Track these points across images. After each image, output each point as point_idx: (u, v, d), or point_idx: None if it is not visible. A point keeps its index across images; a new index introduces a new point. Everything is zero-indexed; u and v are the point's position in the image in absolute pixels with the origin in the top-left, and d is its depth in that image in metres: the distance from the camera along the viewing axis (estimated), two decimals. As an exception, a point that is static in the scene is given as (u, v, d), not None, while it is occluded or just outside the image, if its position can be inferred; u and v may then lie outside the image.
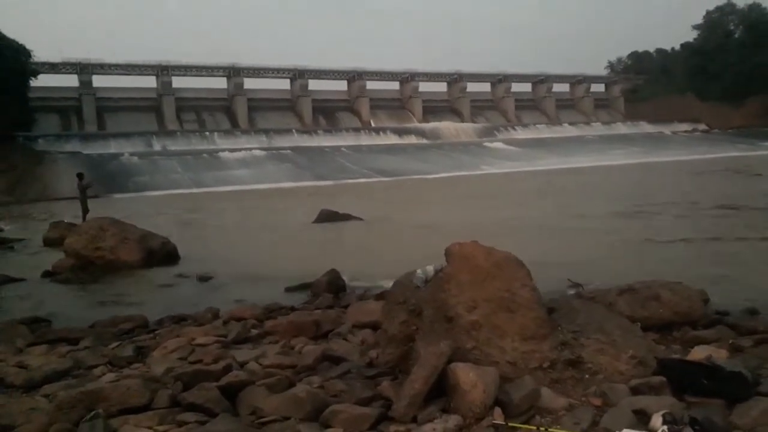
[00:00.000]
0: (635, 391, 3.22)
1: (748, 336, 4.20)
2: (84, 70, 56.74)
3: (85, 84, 56.63)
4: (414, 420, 3.07)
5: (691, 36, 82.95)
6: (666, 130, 71.10)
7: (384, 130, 61.80)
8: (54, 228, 13.90)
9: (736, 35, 77.19)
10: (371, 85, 69.81)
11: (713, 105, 74.31)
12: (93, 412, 3.24)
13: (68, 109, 55.53)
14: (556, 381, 3.37)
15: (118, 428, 3.21)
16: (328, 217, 15.24)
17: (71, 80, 57.18)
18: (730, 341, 4.11)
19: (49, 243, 13.12)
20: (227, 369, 3.94)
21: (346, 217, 15.19)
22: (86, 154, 43.17)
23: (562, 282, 6.35)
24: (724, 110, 73.20)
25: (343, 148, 51.89)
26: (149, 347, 5.05)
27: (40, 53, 49.21)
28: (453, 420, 2.99)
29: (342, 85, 70.24)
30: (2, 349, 5.22)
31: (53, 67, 55.47)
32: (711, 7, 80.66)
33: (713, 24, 79.24)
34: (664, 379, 3.28)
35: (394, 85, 72.93)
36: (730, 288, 5.84)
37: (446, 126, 65.47)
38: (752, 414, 2.90)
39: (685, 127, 73.59)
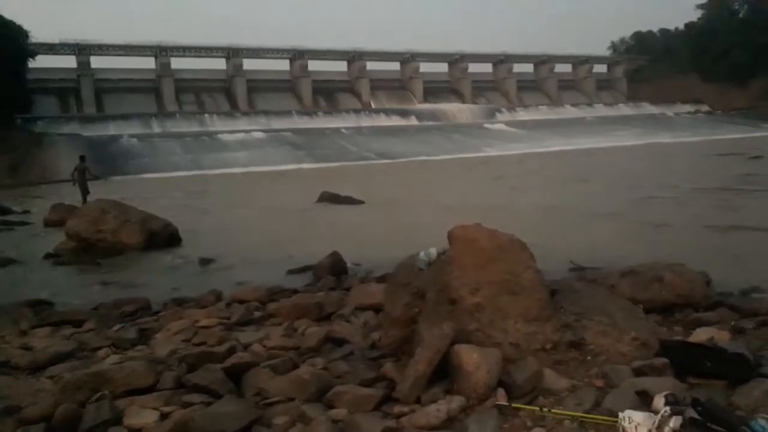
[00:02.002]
0: (638, 372, 3.23)
1: (750, 318, 4.21)
2: (82, 51, 56.23)
3: (84, 65, 56.15)
4: (418, 401, 3.09)
5: (695, 16, 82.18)
6: (668, 111, 70.67)
7: (385, 111, 61.42)
8: (55, 210, 13.89)
9: (741, 15, 76.34)
10: (371, 65, 69.21)
11: (716, 86, 73.67)
12: (99, 394, 3.26)
13: (67, 91, 55.13)
14: (559, 362, 3.39)
15: (124, 409, 3.23)
16: (329, 199, 15.21)
17: (69, 61, 56.74)
18: (732, 323, 4.12)
19: (51, 225, 13.13)
20: (231, 351, 3.96)
21: (347, 200, 15.15)
22: (85, 136, 42.95)
23: (564, 264, 6.37)
24: (727, 91, 72.61)
25: (343, 130, 51.62)
26: (152, 329, 5.07)
27: (38, 34, 48.79)
28: (456, 401, 3.01)
29: (342, 66, 69.63)
30: (7, 331, 5.25)
31: (51, 48, 54.93)
32: (716, -14, 79.74)
33: (717, 3, 78.31)
34: (666, 360, 3.29)
35: (395, 66, 72.30)
36: (733, 270, 5.85)
37: (447, 107, 65.04)
38: (754, 395, 2.92)
39: (687, 108, 73.10)
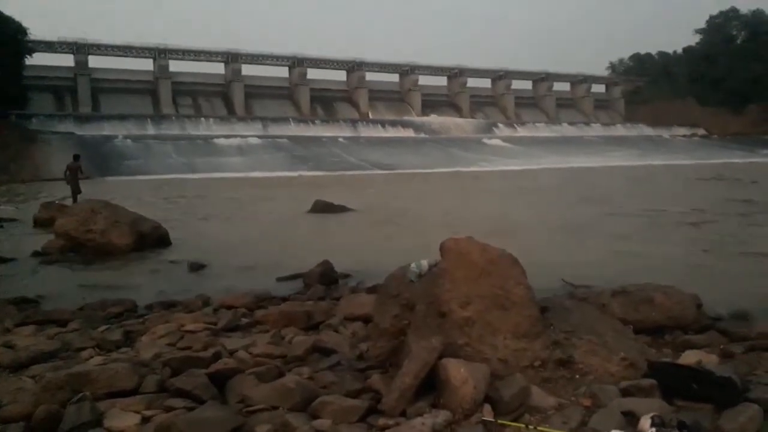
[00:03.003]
0: (625, 392, 3.22)
1: (739, 342, 4.21)
2: (80, 50, 56.33)
3: (81, 64, 56.23)
4: (403, 414, 3.06)
5: (693, 40, 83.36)
6: (665, 133, 71.47)
7: (382, 122, 61.70)
8: (45, 209, 13.78)
9: (739, 41, 77.50)
10: (371, 76, 69.68)
11: (713, 110, 74.66)
12: (80, 395, 3.21)
13: (63, 89, 55.14)
14: (547, 380, 3.37)
15: (105, 411, 3.18)
16: (322, 208, 15.18)
17: (67, 60, 56.78)
18: (721, 347, 4.12)
19: (40, 224, 13.04)
20: (217, 356, 3.92)
21: (341, 209, 15.15)
22: (80, 135, 42.91)
23: (556, 282, 6.36)
24: (724, 116, 73.58)
25: (340, 139, 51.82)
26: (138, 332, 5.01)
27: (36, 31, 48.80)
28: (442, 415, 2.98)
29: (341, 75, 70.05)
30: (-10, 328, 5.18)
31: (49, 46, 55.01)
32: (714, 12, 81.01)
33: (716, 29, 79.54)
34: (654, 381, 3.28)
35: (394, 77, 72.78)
36: (724, 294, 5.86)
37: (445, 121, 65.47)
38: (740, 420, 2.91)
39: (684, 131, 73.96)
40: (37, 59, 50.47)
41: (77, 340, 4.75)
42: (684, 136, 71.72)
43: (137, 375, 3.56)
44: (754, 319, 4.95)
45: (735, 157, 51.55)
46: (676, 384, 3.24)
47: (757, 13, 77.49)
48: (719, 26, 79.66)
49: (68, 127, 45.78)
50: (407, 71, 71.06)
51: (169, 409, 3.22)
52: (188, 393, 3.36)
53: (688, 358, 3.75)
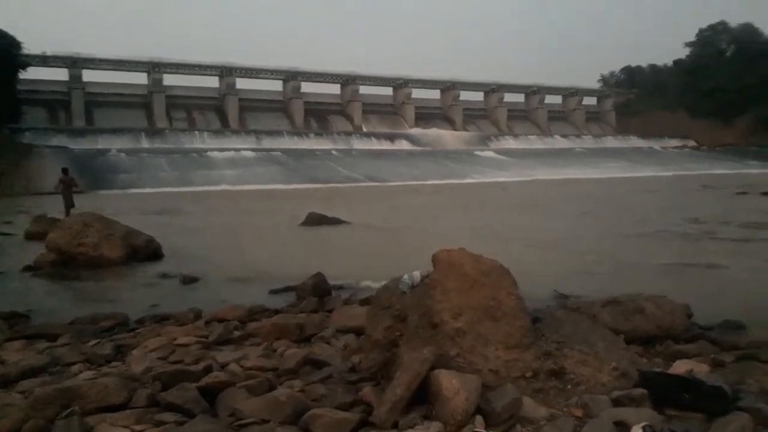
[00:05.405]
0: (616, 402, 3.22)
1: (729, 351, 4.23)
2: (74, 64, 56.32)
3: (75, 78, 56.18)
4: (395, 426, 3.05)
5: (683, 53, 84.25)
6: (656, 145, 72.01)
7: (376, 135, 61.90)
8: (37, 222, 13.71)
9: (728, 54, 78.45)
10: (364, 89, 69.93)
11: (703, 122, 75.42)
12: (69, 410, 3.19)
13: (57, 103, 55.06)
14: (539, 391, 3.37)
15: (94, 426, 3.15)
16: (316, 220, 15.18)
17: (61, 74, 56.76)
18: (712, 356, 4.14)
19: (31, 237, 12.96)
20: (208, 370, 3.90)
21: (334, 221, 15.15)
22: (73, 149, 42.78)
23: (547, 293, 6.38)
24: (714, 128, 74.33)
25: (333, 152, 51.91)
26: (129, 346, 4.98)
27: (31, 45, 48.78)
28: (434, 427, 2.97)
29: (335, 89, 70.27)
30: (-21, 343, 5.13)
31: (43, 60, 54.96)
32: (704, 25, 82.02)
33: (705, 42, 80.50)
34: (645, 391, 3.29)
35: (387, 91, 73.11)
36: (715, 304, 5.88)
37: (438, 133, 65.71)
38: (730, 429, 2.92)
39: (674, 143, 74.53)
40: (30, 73, 50.43)
41: (67, 354, 4.71)
42: (675, 147, 72.26)
43: (127, 389, 3.53)
44: (745, 328, 4.98)
45: (726, 168, 52.06)
46: (667, 393, 3.25)
47: (746, 27, 78.57)
48: (709, 39, 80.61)
49: (62, 141, 45.60)
50: (401, 85, 71.42)
51: (159, 424, 3.20)
52: (179, 407, 3.34)
53: (679, 367, 3.76)
